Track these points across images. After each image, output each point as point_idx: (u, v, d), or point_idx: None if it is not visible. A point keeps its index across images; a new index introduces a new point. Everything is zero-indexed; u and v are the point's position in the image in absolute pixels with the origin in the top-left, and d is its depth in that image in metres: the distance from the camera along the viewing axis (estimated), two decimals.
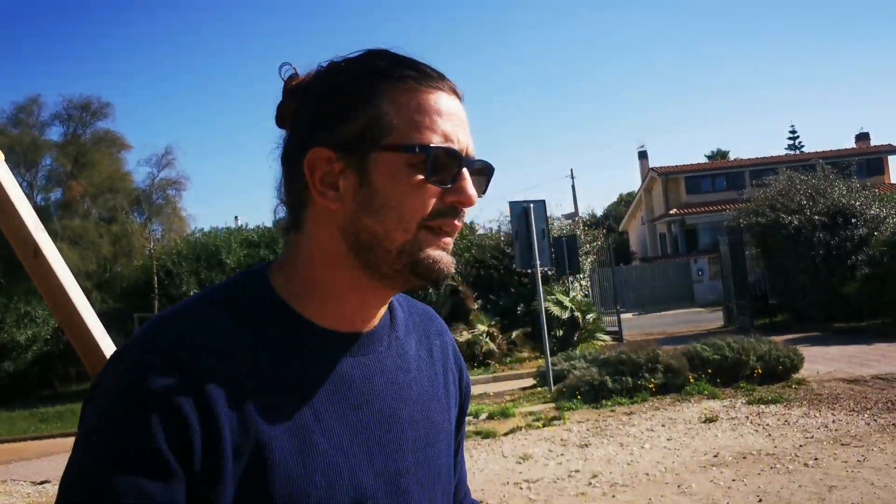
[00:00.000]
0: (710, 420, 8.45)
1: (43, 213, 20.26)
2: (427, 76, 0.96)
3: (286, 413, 0.89)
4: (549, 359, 11.42)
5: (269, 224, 21.69)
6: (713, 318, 21.73)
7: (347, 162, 0.94)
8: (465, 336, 15.73)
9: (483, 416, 9.99)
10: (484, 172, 1.02)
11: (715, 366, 10.43)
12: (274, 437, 0.87)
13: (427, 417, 1.04)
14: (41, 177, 22.78)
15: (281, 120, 1.01)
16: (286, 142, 0.99)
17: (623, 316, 19.95)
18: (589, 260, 20.37)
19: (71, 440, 0.90)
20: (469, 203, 0.95)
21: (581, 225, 22.83)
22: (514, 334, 16.59)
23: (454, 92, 0.98)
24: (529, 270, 12.34)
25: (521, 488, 6.54)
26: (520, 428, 9.08)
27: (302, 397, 0.91)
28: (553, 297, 16.06)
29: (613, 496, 6.07)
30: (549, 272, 16.51)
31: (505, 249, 18.67)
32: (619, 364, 10.48)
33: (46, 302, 2.57)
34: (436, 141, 0.93)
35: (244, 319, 0.92)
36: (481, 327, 16.04)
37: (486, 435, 8.88)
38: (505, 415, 9.87)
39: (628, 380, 10.19)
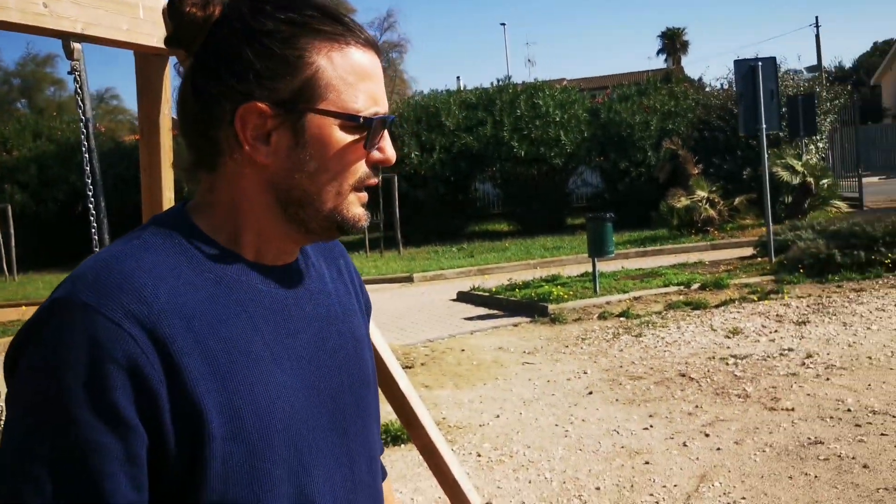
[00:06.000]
0: None
1: None
2: (353, 32, 0.95)
3: (241, 346, 0.90)
4: (771, 227, 10.79)
5: (486, 86, 21.73)
6: None
7: (283, 120, 0.93)
8: (683, 202, 15.18)
9: (695, 285, 9.74)
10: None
11: None
12: (236, 371, 0.88)
13: (351, 332, 1.08)
14: None
15: (175, 42, 0.94)
16: (198, 76, 0.93)
17: (868, 180, 18.25)
18: (828, 119, 18.57)
19: None
20: (391, 163, 0.99)
21: (823, 80, 20.68)
22: (736, 200, 15.78)
23: (373, 45, 0.97)
24: (754, 136, 11.48)
25: (726, 363, 6.39)
26: (733, 300, 8.78)
27: (252, 329, 0.92)
28: (783, 161, 14.96)
29: (828, 379, 5.78)
30: (782, 134, 15.33)
31: (732, 110, 17.48)
32: (851, 236, 9.68)
33: None
34: (368, 105, 0.94)
35: (182, 259, 0.91)
36: (701, 193, 15.35)
37: (697, 306, 8.69)
38: (718, 286, 9.56)
39: (860, 254, 9.41)
